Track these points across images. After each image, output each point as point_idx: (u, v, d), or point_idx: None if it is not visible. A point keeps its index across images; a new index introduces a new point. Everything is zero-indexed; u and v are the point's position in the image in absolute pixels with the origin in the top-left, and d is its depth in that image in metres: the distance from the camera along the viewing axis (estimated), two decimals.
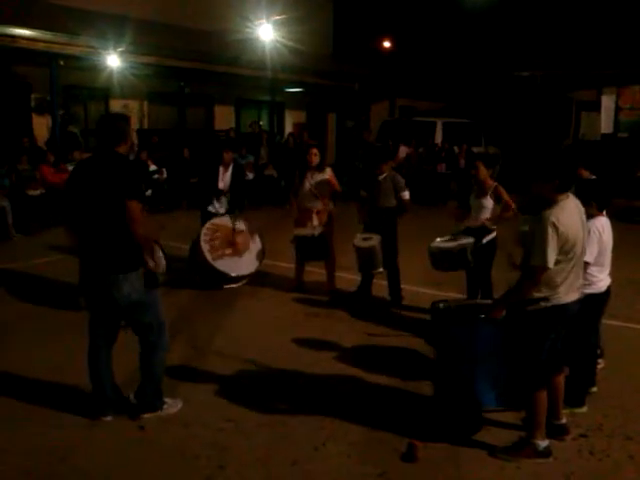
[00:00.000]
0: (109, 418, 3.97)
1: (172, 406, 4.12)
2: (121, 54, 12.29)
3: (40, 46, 11.16)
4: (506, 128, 17.31)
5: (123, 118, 4.13)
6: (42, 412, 4.05)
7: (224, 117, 17.21)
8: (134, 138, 14.10)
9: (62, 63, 12.04)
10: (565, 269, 3.39)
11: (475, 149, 15.13)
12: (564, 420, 3.85)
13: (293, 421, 4.00)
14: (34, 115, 13.34)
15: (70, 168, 11.31)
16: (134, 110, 15.17)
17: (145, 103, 15.57)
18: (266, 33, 14.47)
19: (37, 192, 10.50)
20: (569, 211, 3.40)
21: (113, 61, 12.55)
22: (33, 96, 13.22)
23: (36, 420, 3.94)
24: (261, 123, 17.28)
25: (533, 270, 3.35)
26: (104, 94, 14.58)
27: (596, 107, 16.93)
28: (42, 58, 11.66)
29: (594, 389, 4.40)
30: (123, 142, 3.83)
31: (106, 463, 3.50)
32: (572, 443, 3.77)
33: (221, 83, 15.94)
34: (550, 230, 3.28)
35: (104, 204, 3.70)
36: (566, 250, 3.35)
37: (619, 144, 16.12)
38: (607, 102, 16.56)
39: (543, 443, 3.58)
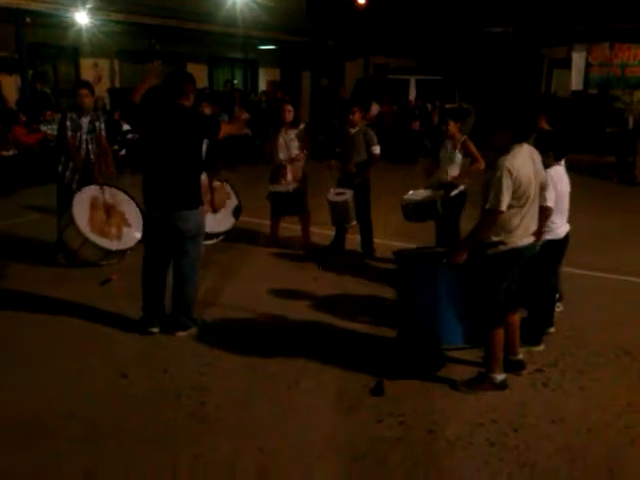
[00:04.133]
0: (155, 330, 4.63)
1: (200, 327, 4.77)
2: (90, 11, 12.05)
3: (4, 2, 10.90)
4: (479, 85, 17.40)
5: (188, 77, 4.59)
6: (29, 359, 4.23)
7: (197, 75, 16.94)
8: (105, 98, 13.94)
9: (28, 20, 11.78)
10: (519, 213, 3.62)
11: (448, 106, 15.25)
12: (521, 356, 4.14)
13: (270, 363, 4.24)
14: (1, 74, 13.09)
15: (43, 128, 11.28)
16: (104, 69, 14.95)
17: (116, 62, 15.32)
18: None
19: (10, 153, 10.42)
20: (523, 158, 3.61)
21: (82, 18, 12.30)
22: (1, 55, 12.93)
23: (28, 366, 4.12)
24: (235, 82, 17.14)
25: (488, 213, 3.58)
26: (73, 53, 14.31)
27: (567, 64, 17.07)
28: (7, 14, 11.39)
29: (552, 329, 4.71)
30: (186, 97, 4.39)
31: (90, 406, 3.69)
32: (528, 377, 4.08)
33: (193, 41, 15.70)
34: (505, 175, 3.50)
35: (180, 150, 4.32)
36: (519, 195, 3.57)
37: (589, 100, 16.35)
38: (577, 59, 16.69)
39: (500, 377, 3.87)
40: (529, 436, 3.41)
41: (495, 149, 3.69)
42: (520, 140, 3.63)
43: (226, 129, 4.64)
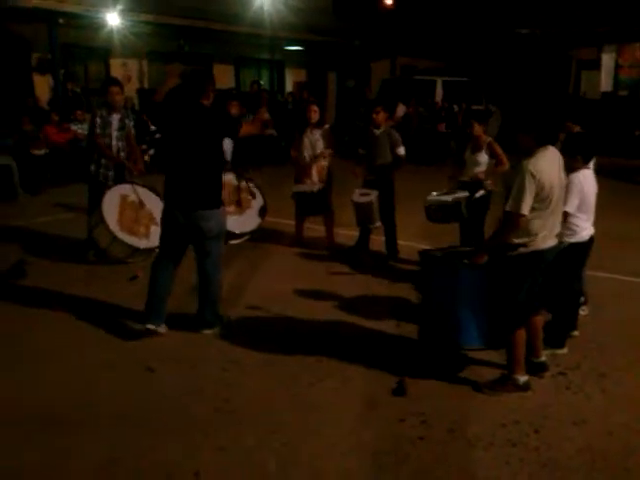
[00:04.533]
0: (150, 327, 4.57)
1: (227, 324, 4.84)
2: (121, 12, 12.28)
3: (40, 4, 11.16)
4: (506, 86, 17.29)
5: (207, 76, 4.65)
6: (60, 352, 4.36)
7: (223, 76, 17.20)
8: (134, 99, 14.17)
9: (61, 21, 12.06)
10: (542, 216, 3.63)
11: (475, 108, 15.18)
12: (543, 358, 4.15)
13: (293, 361, 4.31)
14: (35, 75, 13.39)
15: (74, 128, 11.52)
16: (133, 69, 15.20)
17: (144, 62, 15.57)
18: None
19: (41, 152, 10.66)
20: (547, 161, 3.62)
21: (113, 19, 12.55)
22: (34, 55, 13.24)
23: (56, 361, 4.25)
24: (261, 82, 17.27)
25: (510, 216, 3.60)
26: (104, 53, 14.58)
27: (596, 65, 16.87)
28: (41, 16, 11.66)
29: (575, 333, 4.69)
30: (206, 96, 4.46)
31: (115, 399, 3.79)
32: (550, 379, 4.08)
33: (220, 41, 15.89)
34: (527, 178, 3.51)
35: (201, 150, 4.39)
36: (542, 198, 3.58)
37: (619, 102, 16.13)
38: (607, 60, 16.48)
39: (523, 378, 3.88)
40: (550, 437, 3.42)
41: (520, 152, 3.71)
42: (544, 143, 3.64)
43: (247, 129, 4.71)
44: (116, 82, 6.57)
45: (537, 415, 3.65)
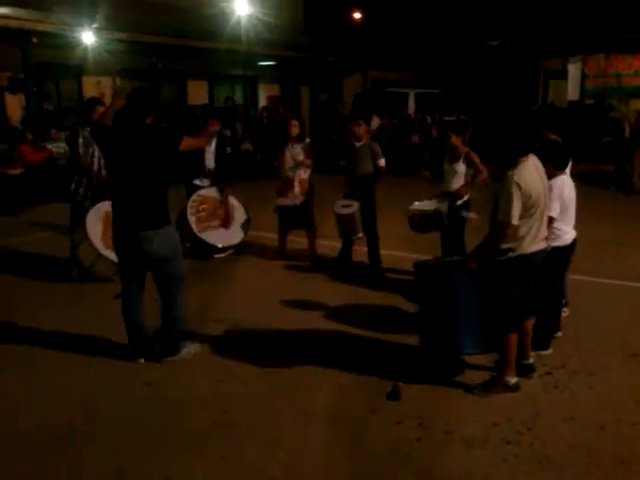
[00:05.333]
0: (142, 361, 4.48)
1: (192, 349, 4.62)
2: (95, 31, 12.26)
3: (13, 23, 11.11)
4: (477, 97, 17.65)
5: (152, 93, 4.57)
6: (53, 368, 4.35)
7: (198, 92, 17.26)
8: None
9: (35, 40, 12.00)
10: (528, 222, 3.77)
11: (447, 119, 15.47)
12: (532, 360, 4.28)
13: (287, 371, 4.37)
14: (6, 94, 13.27)
15: (49, 147, 11.45)
16: (107, 87, 15.14)
17: (118, 79, 15.52)
18: (241, 7, 14.51)
19: (17, 171, 10.56)
20: (530, 170, 3.77)
21: (87, 38, 12.52)
22: (4, 74, 13.12)
23: (52, 375, 4.24)
24: (235, 98, 17.36)
25: (500, 225, 3.74)
26: (77, 71, 14.53)
27: (563, 75, 17.34)
28: (14, 35, 11.59)
29: (559, 334, 4.84)
30: (150, 115, 4.29)
31: (116, 413, 3.81)
32: (538, 380, 4.21)
33: (194, 58, 15.95)
34: (514, 189, 3.66)
35: (138, 169, 4.18)
36: (529, 206, 3.73)
37: (585, 110, 16.58)
38: (573, 70, 16.96)
39: (513, 379, 4.01)
40: (543, 434, 3.54)
41: (500, 162, 3.85)
42: (524, 153, 3.79)
43: (188, 142, 4.39)
44: (101, 101, 6.59)
45: (528, 414, 3.76)
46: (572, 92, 17.06)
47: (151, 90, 5.05)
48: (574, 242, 4.59)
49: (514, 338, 3.97)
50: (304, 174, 6.99)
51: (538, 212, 3.79)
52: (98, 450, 3.42)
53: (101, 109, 6.28)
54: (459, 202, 6.02)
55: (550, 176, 4.30)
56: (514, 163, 3.76)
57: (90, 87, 14.71)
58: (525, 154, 3.80)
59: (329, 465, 3.28)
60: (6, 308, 5.63)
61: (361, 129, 6.69)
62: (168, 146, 4.30)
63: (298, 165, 6.89)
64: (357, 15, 25.19)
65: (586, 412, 3.79)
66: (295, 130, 6.95)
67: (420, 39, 18.58)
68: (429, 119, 15.68)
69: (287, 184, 7.01)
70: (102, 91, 14.96)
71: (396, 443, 3.46)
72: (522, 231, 3.77)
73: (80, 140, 6.35)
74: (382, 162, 6.72)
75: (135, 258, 4.33)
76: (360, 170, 6.67)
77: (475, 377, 4.19)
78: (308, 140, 7.18)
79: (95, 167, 6.39)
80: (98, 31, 12.33)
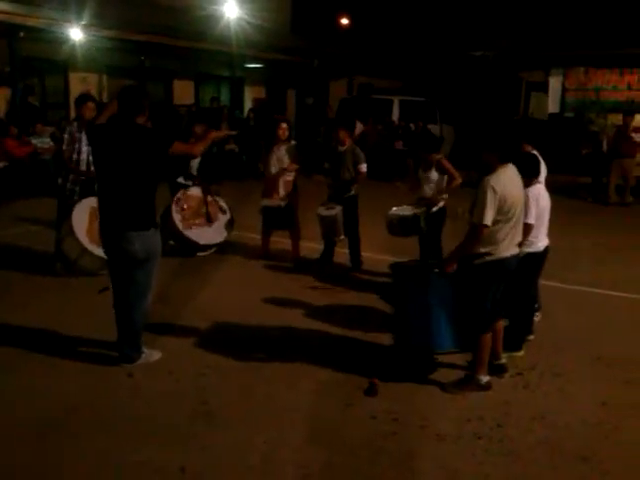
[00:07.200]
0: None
1: (150, 356, 4.50)
2: (83, 27, 12.28)
3: (0, 17, 11.09)
4: (460, 106, 17.92)
5: (143, 91, 4.45)
6: (39, 361, 4.42)
7: (184, 92, 17.30)
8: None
9: (22, 35, 11.99)
10: (505, 227, 3.94)
11: (430, 127, 15.71)
12: (503, 361, 4.45)
13: (267, 366, 4.49)
14: None
15: (34, 142, 11.43)
16: (93, 83, 15.14)
17: (104, 77, 15.53)
18: (230, 9, 14.60)
19: (0, 165, 10.55)
20: (507, 177, 3.94)
21: (75, 34, 12.53)
22: None
23: (37, 368, 4.31)
24: (221, 99, 17.44)
25: (474, 227, 3.91)
26: (63, 67, 14.49)
27: (545, 88, 17.67)
28: (2, 29, 11.57)
29: (531, 337, 5.02)
30: (142, 113, 4.20)
31: (97, 403, 3.90)
32: (509, 379, 4.38)
33: (181, 58, 16.01)
34: (489, 193, 3.83)
35: (126, 169, 4.12)
36: (505, 210, 3.90)
37: (565, 123, 16.92)
38: (554, 83, 17.28)
39: (485, 378, 4.17)
40: (512, 431, 3.70)
41: (481, 169, 4.02)
42: (505, 160, 3.97)
43: (180, 147, 4.28)
44: (92, 98, 6.65)
45: (499, 411, 3.93)
46: (552, 105, 17.38)
47: (141, 88, 4.98)
48: (546, 249, 4.78)
49: (488, 338, 4.14)
50: (288, 176, 7.12)
51: (515, 218, 3.96)
52: (79, 442, 3.49)
53: (92, 105, 6.38)
54: (435, 208, 6.20)
55: (527, 185, 4.48)
56: (493, 170, 3.93)
57: (76, 83, 14.69)
58: (507, 161, 3.98)
59: (307, 455, 3.41)
60: None
61: (340, 134, 6.86)
62: (157, 149, 4.18)
63: (284, 169, 7.02)
64: (345, 21, 25.43)
65: (553, 411, 3.96)
66: (285, 133, 7.08)
67: (406, 47, 18.82)
68: (413, 126, 15.91)
69: (273, 185, 7.13)
70: (88, 88, 14.97)
71: (372, 436, 3.60)
72: (500, 235, 3.94)
73: (66, 135, 6.40)
74: (363, 167, 6.88)
75: (115, 255, 4.29)
76: (343, 174, 6.83)
77: (449, 375, 4.35)
78: (294, 142, 7.31)
79: (83, 162, 6.43)
80: (86, 28, 12.33)
